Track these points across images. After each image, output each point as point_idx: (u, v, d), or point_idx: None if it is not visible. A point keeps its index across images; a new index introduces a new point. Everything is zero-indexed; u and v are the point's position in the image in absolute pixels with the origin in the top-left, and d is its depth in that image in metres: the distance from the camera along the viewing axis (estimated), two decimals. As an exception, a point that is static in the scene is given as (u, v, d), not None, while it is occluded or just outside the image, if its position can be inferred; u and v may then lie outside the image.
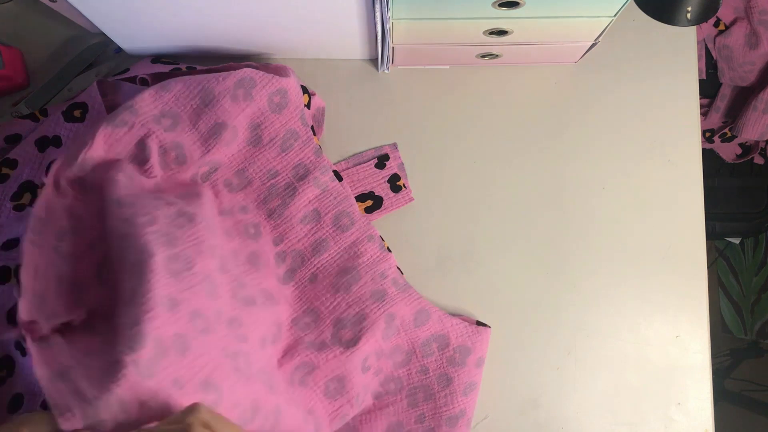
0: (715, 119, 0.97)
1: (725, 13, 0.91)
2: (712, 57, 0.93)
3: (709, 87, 0.95)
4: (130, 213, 0.42)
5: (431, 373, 0.55)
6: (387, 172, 0.59)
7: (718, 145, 1.02)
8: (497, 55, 0.58)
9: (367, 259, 0.55)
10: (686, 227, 0.60)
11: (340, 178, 0.56)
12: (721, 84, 0.95)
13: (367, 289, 0.54)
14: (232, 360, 0.42)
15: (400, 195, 0.59)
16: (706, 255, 0.60)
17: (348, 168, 0.59)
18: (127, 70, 0.56)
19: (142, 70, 0.55)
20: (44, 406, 0.48)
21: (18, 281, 0.41)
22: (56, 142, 0.53)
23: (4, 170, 0.53)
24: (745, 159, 1.02)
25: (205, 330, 0.41)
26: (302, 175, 0.55)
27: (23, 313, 0.39)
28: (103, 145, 0.46)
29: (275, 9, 0.50)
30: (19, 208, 0.51)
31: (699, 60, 0.65)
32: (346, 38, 0.56)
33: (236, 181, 0.54)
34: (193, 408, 0.35)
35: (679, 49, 0.63)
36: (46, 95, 0.58)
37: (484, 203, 0.60)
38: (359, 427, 0.54)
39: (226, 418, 0.37)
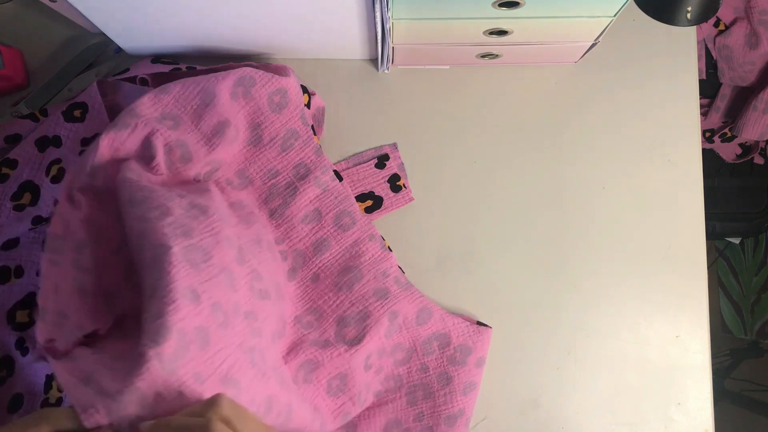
0: (715, 119, 0.97)
1: (725, 13, 0.91)
2: (712, 57, 0.93)
3: (709, 87, 0.95)
4: (142, 209, 0.42)
5: (431, 372, 0.55)
6: (387, 172, 0.59)
7: (718, 145, 1.02)
8: (497, 55, 0.58)
9: (369, 258, 0.55)
10: (686, 227, 0.60)
11: (340, 178, 0.56)
12: (721, 84, 0.95)
13: (369, 287, 0.54)
14: (249, 355, 0.42)
15: (400, 195, 0.59)
16: (706, 255, 0.60)
17: (348, 168, 0.59)
18: (127, 70, 0.56)
19: (142, 70, 0.55)
20: (44, 405, 0.48)
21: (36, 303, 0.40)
22: (56, 142, 0.53)
23: (4, 170, 0.53)
24: (745, 159, 1.02)
25: (224, 324, 0.40)
26: (303, 174, 0.55)
27: (40, 334, 0.39)
28: (109, 150, 0.46)
29: (275, 9, 0.50)
30: (19, 208, 0.51)
31: (699, 60, 0.65)
32: (346, 38, 0.56)
33: (237, 180, 0.54)
34: (214, 401, 0.34)
35: (679, 49, 0.63)
36: (46, 95, 0.58)
37: (484, 203, 0.60)
38: (358, 424, 0.54)
39: (247, 409, 0.36)
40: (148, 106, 0.48)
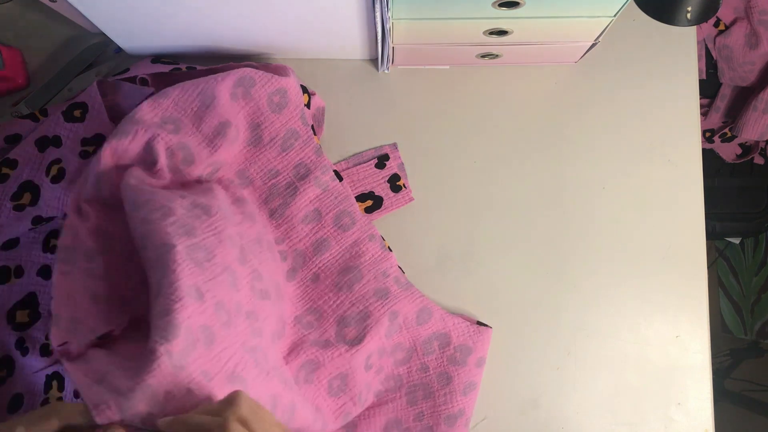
0: (715, 119, 0.97)
1: (725, 13, 0.91)
2: (712, 57, 0.93)
3: (709, 87, 0.95)
4: (145, 211, 0.43)
5: (431, 372, 0.55)
6: (387, 172, 0.59)
7: (718, 145, 1.02)
8: (497, 55, 0.58)
9: (369, 258, 0.55)
10: (686, 227, 0.60)
11: (340, 178, 0.56)
12: (721, 84, 0.95)
13: (369, 287, 0.54)
14: (252, 354, 0.42)
15: (400, 195, 0.59)
16: (706, 255, 0.60)
17: (348, 168, 0.59)
18: (127, 70, 0.56)
19: (142, 70, 0.55)
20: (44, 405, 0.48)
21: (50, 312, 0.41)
22: (56, 142, 0.53)
23: (4, 170, 0.53)
24: (745, 159, 1.02)
25: (227, 323, 0.41)
26: (303, 174, 0.55)
27: (54, 339, 0.39)
28: (111, 158, 0.46)
29: (275, 9, 0.50)
30: (19, 208, 0.51)
31: (699, 60, 0.64)
32: (346, 38, 0.56)
33: (237, 181, 0.54)
34: (233, 399, 0.34)
35: (679, 49, 0.63)
36: (46, 95, 0.58)
37: (484, 203, 0.60)
38: (358, 424, 0.54)
39: (265, 408, 0.36)
40: (148, 111, 0.48)
